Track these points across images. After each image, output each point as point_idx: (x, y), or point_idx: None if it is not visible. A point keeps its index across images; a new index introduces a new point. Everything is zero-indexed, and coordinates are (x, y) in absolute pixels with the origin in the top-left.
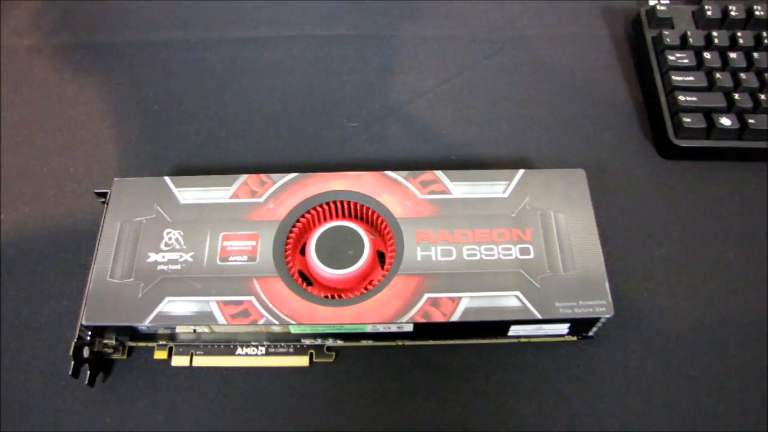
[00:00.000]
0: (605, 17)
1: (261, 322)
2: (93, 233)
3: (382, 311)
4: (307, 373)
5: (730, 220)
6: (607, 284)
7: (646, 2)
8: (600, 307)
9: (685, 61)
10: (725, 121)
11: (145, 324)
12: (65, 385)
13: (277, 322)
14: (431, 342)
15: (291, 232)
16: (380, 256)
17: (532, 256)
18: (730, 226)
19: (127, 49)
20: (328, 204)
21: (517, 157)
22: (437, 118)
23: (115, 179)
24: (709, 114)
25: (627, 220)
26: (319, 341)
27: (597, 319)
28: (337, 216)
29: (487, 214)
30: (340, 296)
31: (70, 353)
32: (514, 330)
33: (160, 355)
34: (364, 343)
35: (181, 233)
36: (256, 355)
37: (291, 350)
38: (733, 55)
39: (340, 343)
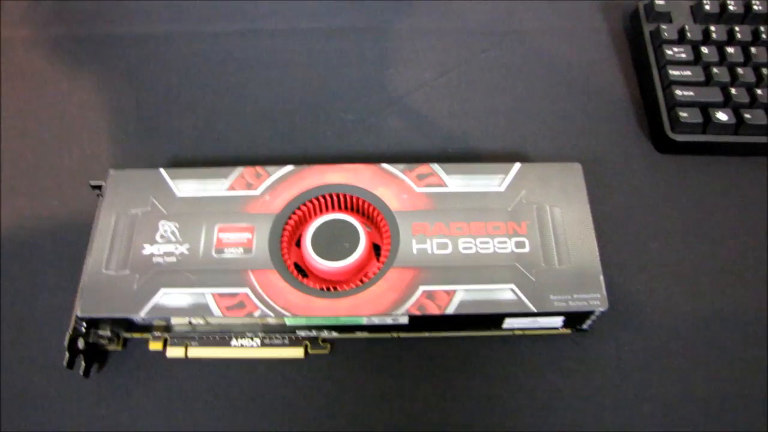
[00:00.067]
0: (603, 11)
1: (256, 314)
2: (88, 225)
3: (378, 304)
4: (302, 365)
5: (726, 214)
6: (601, 278)
7: None
8: (594, 300)
9: (683, 55)
10: (722, 116)
11: (141, 316)
12: (60, 377)
13: (272, 314)
14: (426, 334)
15: (287, 224)
16: (376, 249)
17: (527, 249)
18: (725, 221)
19: (123, 41)
20: (324, 197)
21: (514, 150)
22: (434, 111)
23: (111, 171)
24: (705, 109)
25: (623, 214)
26: (314, 333)
27: (591, 312)
28: (332, 209)
29: (483, 207)
30: (335, 288)
31: (65, 344)
32: (509, 323)
33: (155, 346)
34: (359, 335)
35: (177, 225)
36: (251, 346)
37: (286, 342)
38: (730, 49)
39: (335, 335)
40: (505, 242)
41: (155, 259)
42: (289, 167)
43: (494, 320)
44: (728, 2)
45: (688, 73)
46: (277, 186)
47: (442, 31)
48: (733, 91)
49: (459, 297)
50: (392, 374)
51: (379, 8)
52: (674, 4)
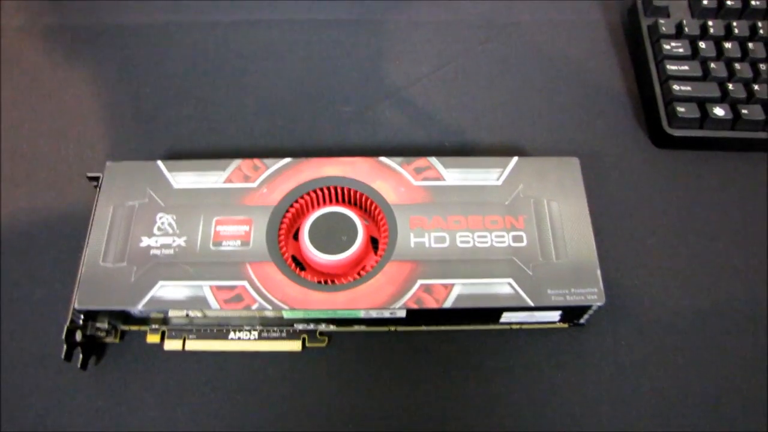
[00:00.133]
0: (601, 5)
1: (254, 307)
2: (85, 217)
3: (375, 297)
4: (299, 358)
5: (723, 209)
6: (599, 272)
7: None
8: (591, 294)
9: (680, 50)
10: (719, 111)
11: (138, 308)
12: (58, 369)
13: (270, 307)
14: (424, 328)
15: (284, 217)
16: (373, 243)
17: (524, 243)
18: (722, 216)
19: (120, 32)
20: (321, 189)
21: (511, 144)
22: (431, 105)
23: (108, 163)
24: (703, 104)
25: (620, 208)
26: (311, 326)
27: (588, 307)
28: (330, 202)
29: (481, 201)
30: (333, 282)
31: (63, 337)
32: (506, 317)
33: (153, 339)
34: (356, 328)
35: (174, 218)
36: (249, 339)
37: (284, 335)
38: (728, 45)
39: (332, 328)
40: (502, 236)
41: (153, 252)
42: (287, 160)
43: (492, 314)
44: None
45: (686, 67)
46: (274, 178)
47: (440, 23)
48: (730, 86)
49: (457, 291)
50: (389, 367)
51: (378, 0)
52: None
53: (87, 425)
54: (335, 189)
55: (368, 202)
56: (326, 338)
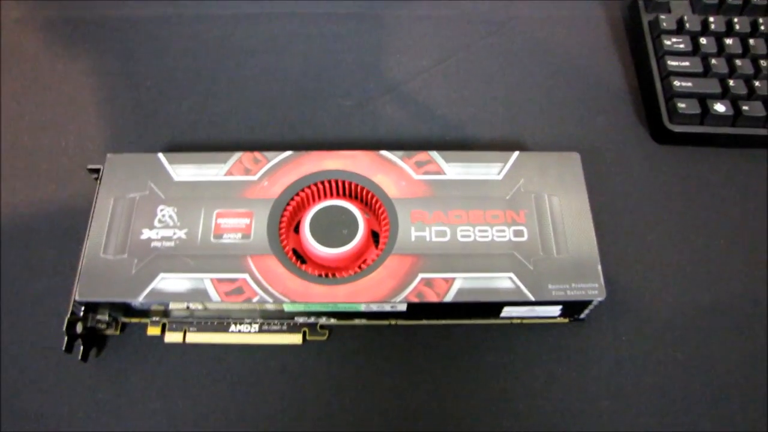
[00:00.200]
0: (602, 0)
1: (255, 300)
2: (85, 209)
3: (376, 290)
4: (300, 351)
5: (723, 205)
6: (599, 267)
7: None
8: (592, 289)
9: (681, 46)
10: (720, 108)
11: (139, 300)
12: (58, 361)
13: (271, 300)
14: (424, 322)
15: (285, 210)
16: (374, 236)
17: (525, 238)
18: (722, 212)
19: (120, 24)
20: (322, 183)
21: (512, 138)
22: (432, 99)
23: (108, 155)
24: (703, 100)
25: (620, 204)
26: (312, 319)
27: (589, 302)
28: (331, 195)
29: (482, 195)
30: (334, 275)
31: (64, 329)
32: (507, 311)
33: (154, 331)
34: (357, 321)
35: (175, 210)
36: (250, 332)
37: (284, 328)
38: (729, 41)
39: (333, 321)
40: (503, 231)
41: (153, 244)
42: (288, 153)
43: (492, 309)
44: None
45: (687, 63)
46: (275, 171)
47: (441, 17)
48: (731, 82)
49: (457, 285)
50: (390, 361)
51: None
52: None
53: (87, 417)
54: (336, 182)
55: (369, 196)
56: (327, 331)
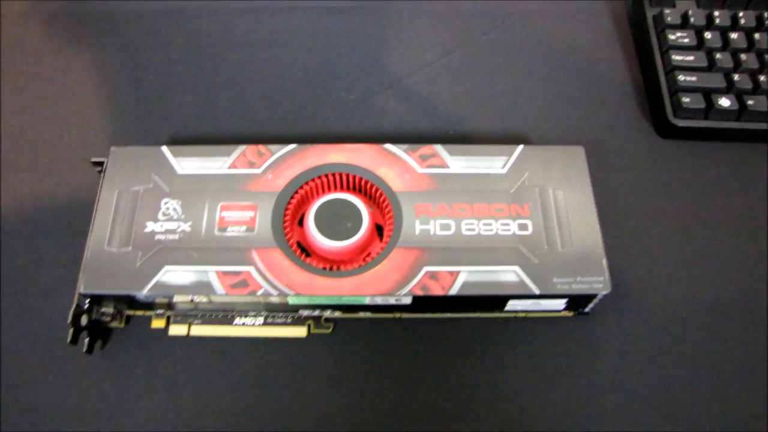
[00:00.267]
0: None
1: (259, 292)
2: (89, 203)
3: (381, 283)
4: (304, 344)
5: (728, 200)
6: (604, 261)
7: None
8: (597, 283)
9: (686, 40)
10: (724, 102)
11: (143, 293)
12: (63, 353)
13: (275, 293)
14: (429, 315)
15: (289, 203)
16: (378, 230)
17: (530, 231)
18: (727, 207)
19: (122, 16)
20: (326, 176)
21: (515, 133)
22: (435, 93)
23: (112, 148)
24: (708, 94)
25: (624, 198)
26: (317, 312)
27: (594, 296)
28: (335, 188)
29: (486, 189)
30: (338, 268)
31: (69, 321)
32: (512, 305)
33: (158, 324)
34: (362, 315)
35: (179, 203)
36: (254, 325)
37: (289, 321)
38: (733, 35)
39: (338, 314)
40: (508, 224)
41: (158, 237)
42: (292, 146)
43: (497, 302)
44: None
45: (691, 58)
46: (279, 165)
47: (444, 12)
48: (736, 77)
49: (462, 278)
50: (394, 354)
51: None
52: None
53: (92, 409)
54: (340, 176)
55: (373, 189)
56: (331, 325)
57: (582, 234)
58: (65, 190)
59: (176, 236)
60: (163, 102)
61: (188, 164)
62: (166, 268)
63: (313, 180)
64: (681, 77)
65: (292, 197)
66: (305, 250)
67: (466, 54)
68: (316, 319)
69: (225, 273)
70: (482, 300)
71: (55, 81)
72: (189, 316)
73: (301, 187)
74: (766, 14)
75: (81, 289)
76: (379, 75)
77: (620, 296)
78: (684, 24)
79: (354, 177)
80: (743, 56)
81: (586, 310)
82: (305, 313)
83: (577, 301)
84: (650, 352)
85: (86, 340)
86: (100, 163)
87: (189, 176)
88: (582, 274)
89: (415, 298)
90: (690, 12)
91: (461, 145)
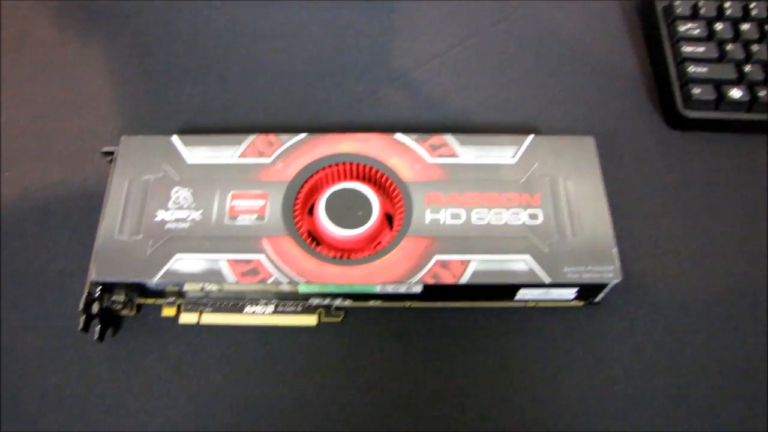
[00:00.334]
0: None
1: (270, 280)
2: (99, 192)
3: (392, 272)
4: (314, 333)
5: (738, 191)
6: (615, 250)
7: None
8: (608, 272)
9: (696, 31)
10: (735, 93)
11: (154, 281)
12: (74, 341)
13: (286, 281)
14: (439, 304)
15: (299, 192)
16: (388, 219)
17: (540, 221)
18: (737, 197)
19: (131, 7)
20: (336, 165)
21: (525, 123)
22: (445, 83)
23: (123, 137)
24: (719, 85)
25: (634, 188)
26: (327, 301)
27: (605, 285)
28: (345, 178)
29: (496, 178)
30: (349, 257)
31: (81, 308)
32: (522, 294)
33: (169, 312)
34: (372, 303)
35: (190, 191)
36: (264, 313)
37: (299, 309)
38: (745, 26)
39: (348, 303)
40: (518, 213)
41: (168, 225)
42: (302, 135)
43: (507, 291)
44: None
45: (702, 49)
46: (289, 154)
47: (454, 2)
48: (747, 68)
49: (473, 267)
50: (404, 343)
51: None
52: None
53: (103, 396)
54: (350, 165)
55: (383, 179)
56: (342, 313)
57: (592, 223)
58: (76, 180)
59: (187, 225)
60: (174, 92)
61: (198, 153)
62: (177, 256)
63: (323, 169)
64: (691, 68)
65: (302, 186)
66: (315, 239)
67: (475, 45)
68: (327, 307)
69: (236, 261)
70: (493, 289)
71: (66, 71)
72: (199, 304)
73: (312, 177)
74: None
75: (92, 276)
76: (388, 66)
77: (630, 287)
78: (694, 15)
79: (364, 166)
80: (755, 47)
81: (597, 299)
82: (315, 301)
83: (587, 291)
84: (661, 342)
85: (97, 328)
86: (111, 153)
87: (199, 165)
88: (592, 263)
89: (426, 287)
90: (700, 3)
91: (471, 135)
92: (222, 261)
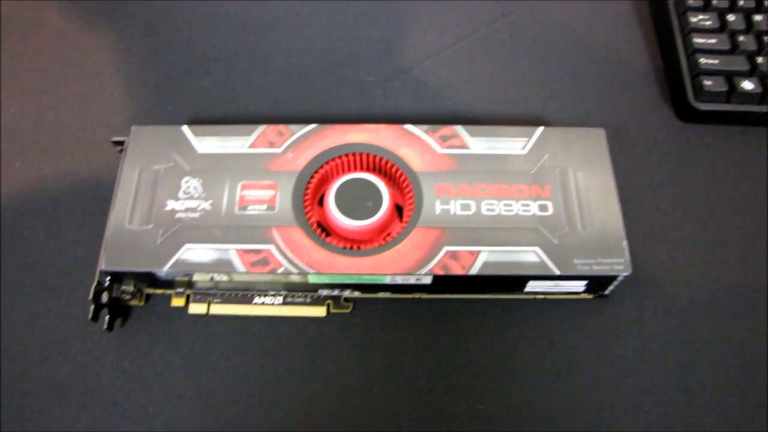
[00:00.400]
0: None
1: (280, 270)
2: (110, 182)
3: (402, 262)
4: (323, 324)
5: (749, 184)
6: (625, 242)
7: None
8: (618, 264)
9: (708, 23)
10: (747, 85)
11: (164, 270)
12: (83, 331)
13: (296, 271)
14: (448, 296)
15: (310, 182)
16: (398, 210)
17: (550, 212)
18: (748, 191)
19: None
20: (346, 156)
21: (535, 116)
22: (455, 75)
23: (133, 127)
24: (730, 77)
25: (645, 181)
26: (336, 292)
27: (614, 277)
28: (355, 168)
29: (506, 170)
30: (359, 247)
31: (90, 297)
32: (531, 286)
33: (178, 302)
34: (381, 294)
35: (200, 181)
36: (273, 304)
37: (308, 300)
38: (757, 17)
39: (357, 294)
40: (528, 205)
41: (178, 215)
42: (312, 126)
43: (517, 283)
44: None
45: (713, 41)
46: (299, 144)
47: None
48: (759, 60)
49: (483, 258)
50: (413, 335)
51: None
52: None
53: (112, 386)
54: (360, 155)
55: (393, 169)
56: (351, 304)
57: (602, 216)
58: (86, 169)
59: (197, 214)
60: (184, 82)
61: (209, 143)
62: (187, 245)
63: (333, 160)
64: (703, 60)
65: (312, 177)
66: (325, 229)
67: (485, 37)
68: (336, 298)
69: (245, 251)
70: (502, 280)
71: (76, 62)
72: (209, 294)
73: (322, 167)
74: None
75: (102, 266)
76: (398, 57)
77: (640, 280)
78: (706, 6)
79: (374, 157)
80: (767, 39)
81: (606, 292)
82: (324, 292)
83: (597, 283)
84: (670, 335)
85: (107, 318)
86: (121, 143)
87: (209, 155)
88: (603, 256)
89: (435, 278)
90: None
91: (482, 126)
92: (232, 251)
